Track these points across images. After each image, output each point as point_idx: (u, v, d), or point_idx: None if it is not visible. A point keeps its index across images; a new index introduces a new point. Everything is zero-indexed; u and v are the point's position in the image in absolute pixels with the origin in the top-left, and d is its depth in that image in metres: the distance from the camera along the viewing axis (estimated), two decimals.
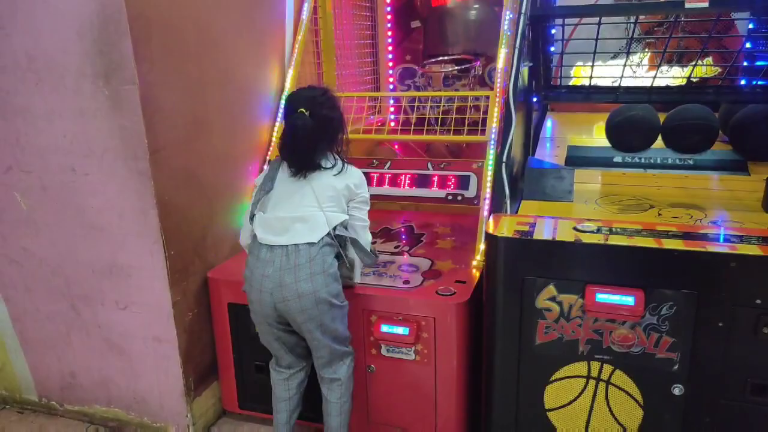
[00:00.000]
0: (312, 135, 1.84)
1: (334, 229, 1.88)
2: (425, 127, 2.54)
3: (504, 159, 2.02)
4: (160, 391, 2.30)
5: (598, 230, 1.71)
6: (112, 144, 2.00)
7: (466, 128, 2.42)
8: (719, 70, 2.84)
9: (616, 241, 1.64)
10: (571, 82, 3.01)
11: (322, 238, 1.84)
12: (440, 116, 2.54)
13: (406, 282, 2.24)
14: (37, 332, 2.42)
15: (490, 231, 1.78)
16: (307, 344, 2.01)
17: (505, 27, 2.50)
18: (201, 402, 2.35)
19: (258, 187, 1.98)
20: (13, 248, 2.30)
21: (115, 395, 2.40)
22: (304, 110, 1.82)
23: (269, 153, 2.65)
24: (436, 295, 2.06)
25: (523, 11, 2.23)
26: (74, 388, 2.46)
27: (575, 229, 1.73)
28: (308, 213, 1.86)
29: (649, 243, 1.62)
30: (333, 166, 1.92)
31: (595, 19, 2.28)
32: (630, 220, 1.89)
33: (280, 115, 2.69)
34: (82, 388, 2.45)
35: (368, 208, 2.01)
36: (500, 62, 2.48)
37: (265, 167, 2.01)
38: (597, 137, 2.89)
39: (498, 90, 2.43)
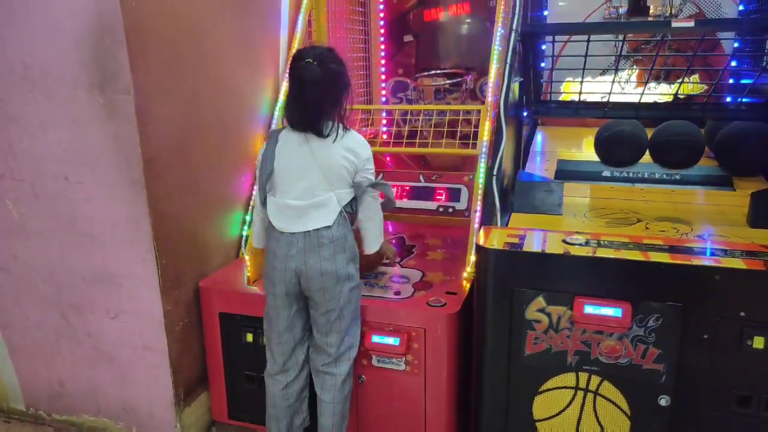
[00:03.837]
0: (320, 87, 1.81)
1: (348, 206, 1.92)
2: (417, 140, 2.57)
3: (495, 172, 2.05)
4: (149, 401, 2.29)
5: (587, 243, 1.74)
6: (106, 153, 2.01)
7: (457, 141, 2.45)
8: (705, 87, 2.91)
9: (604, 253, 1.67)
10: (561, 98, 3.06)
11: (336, 218, 1.89)
12: (432, 129, 2.57)
13: (397, 293, 2.25)
14: (26, 340, 2.40)
15: (481, 243, 1.81)
16: (307, 349, 2.05)
17: (497, 43, 2.54)
18: (190, 412, 2.34)
19: (258, 171, 1.98)
20: (4, 256, 2.30)
21: (103, 405, 2.38)
22: (311, 60, 1.80)
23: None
24: (426, 306, 2.08)
25: (514, 28, 2.28)
26: (62, 397, 2.44)
27: (564, 241, 1.76)
28: (322, 198, 1.89)
29: (636, 256, 1.65)
30: (333, 133, 1.88)
31: (585, 37, 2.32)
32: (618, 234, 1.92)
33: (273, 123, 2.71)
34: (70, 398, 2.43)
35: (374, 168, 2.01)
36: (491, 77, 2.52)
37: (263, 146, 2.00)
38: (586, 151, 2.94)
39: (489, 104, 2.46)
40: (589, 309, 1.67)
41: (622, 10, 3.09)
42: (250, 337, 2.24)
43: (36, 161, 2.11)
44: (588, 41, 2.23)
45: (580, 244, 1.73)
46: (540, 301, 1.73)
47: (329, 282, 1.90)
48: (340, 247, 1.91)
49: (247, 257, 2.48)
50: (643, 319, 1.65)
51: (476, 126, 2.53)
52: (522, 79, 2.58)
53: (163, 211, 2.09)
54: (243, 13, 2.51)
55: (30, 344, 2.40)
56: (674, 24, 2.05)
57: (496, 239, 1.82)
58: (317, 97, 1.83)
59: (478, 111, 2.57)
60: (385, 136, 3.58)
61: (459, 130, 2.49)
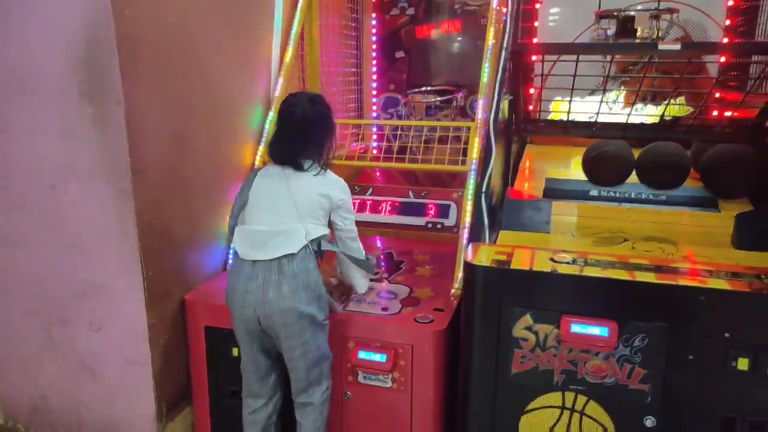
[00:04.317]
0: (305, 125, 1.89)
1: (317, 243, 1.90)
2: (407, 156, 2.58)
3: (484, 189, 2.06)
4: (131, 416, 2.25)
5: (574, 261, 1.75)
6: (95, 162, 2.00)
7: (447, 158, 2.46)
8: (691, 109, 2.95)
9: (590, 272, 1.68)
10: (550, 116, 3.10)
11: (301, 249, 1.86)
12: (422, 145, 2.58)
13: (385, 309, 2.25)
14: (8, 353, 2.36)
15: (469, 260, 1.81)
16: (280, 373, 2.02)
17: (487, 61, 2.57)
18: (173, 428, 2.30)
19: (235, 200, 2.00)
20: None
21: (85, 419, 2.34)
22: (299, 101, 1.90)
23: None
24: (414, 322, 2.07)
25: (504, 46, 2.31)
26: (44, 411, 2.39)
27: (552, 259, 1.77)
28: (289, 227, 1.87)
29: (622, 275, 1.66)
30: (312, 170, 1.93)
31: (574, 57, 2.35)
32: (605, 253, 1.94)
33: (264, 136, 2.70)
34: (51, 412, 2.38)
35: (353, 217, 2.03)
36: (481, 95, 2.54)
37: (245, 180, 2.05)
38: (574, 170, 2.96)
39: (479, 121, 2.48)
40: (575, 328, 1.67)
41: (610, 32, 3.14)
42: (235, 352, 2.20)
43: (24, 170, 2.09)
44: (576, 61, 2.26)
45: (567, 263, 1.74)
46: (527, 319, 1.74)
47: (291, 318, 1.83)
48: (302, 283, 1.84)
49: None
50: (629, 339, 1.66)
51: (466, 143, 2.55)
52: (512, 97, 2.60)
53: (150, 222, 2.08)
54: (236, 25, 2.52)
55: (12, 357, 2.36)
56: (661, 46, 2.09)
57: (484, 256, 1.82)
58: (301, 134, 1.90)
59: (468, 128, 2.59)
60: (375, 151, 3.59)
61: (449, 146, 2.51)
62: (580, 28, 3.25)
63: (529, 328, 1.74)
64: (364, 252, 2.08)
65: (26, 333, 2.31)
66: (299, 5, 2.92)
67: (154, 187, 2.09)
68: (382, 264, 2.73)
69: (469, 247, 1.94)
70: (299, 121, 1.88)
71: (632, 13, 3.01)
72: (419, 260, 2.82)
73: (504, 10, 2.59)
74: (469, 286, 1.80)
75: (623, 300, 1.65)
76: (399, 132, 2.81)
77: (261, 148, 2.69)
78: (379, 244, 2.98)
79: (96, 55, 1.89)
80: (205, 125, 2.36)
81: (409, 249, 2.92)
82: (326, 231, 1.95)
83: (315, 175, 1.92)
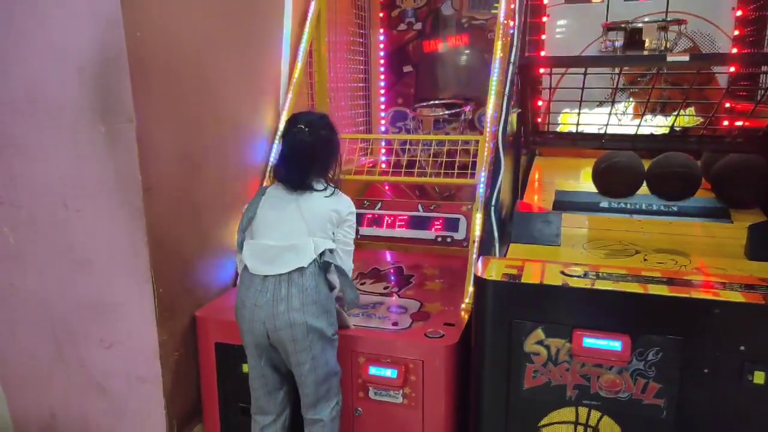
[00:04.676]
0: (310, 151, 1.89)
1: (322, 254, 1.89)
2: (416, 170, 2.58)
3: (493, 203, 2.05)
4: None
5: (585, 275, 1.74)
6: (106, 181, 2.01)
7: (456, 171, 2.46)
8: (701, 120, 2.94)
9: (602, 285, 1.67)
10: (559, 128, 3.10)
11: (311, 263, 1.86)
12: (431, 159, 2.58)
13: (395, 324, 2.24)
14: (19, 370, 2.37)
15: (479, 274, 1.80)
16: (289, 389, 2.02)
17: (494, 74, 2.57)
18: None
19: (242, 216, 2.01)
20: (0, 283, 2.28)
21: None
22: (303, 126, 1.88)
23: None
24: (424, 337, 2.06)
25: (512, 60, 2.31)
26: (53, 428, 2.39)
27: (563, 273, 1.75)
28: (299, 241, 1.88)
29: (634, 288, 1.64)
30: (324, 189, 1.95)
31: (582, 69, 2.35)
32: (616, 265, 1.92)
33: (274, 151, 2.72)
34: (61, 429, 2.38)
35: (353, 234, 2.02)
36: (490, 108, 2.55)
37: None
38: (583, 182, 2.95)
39: (488, 135, 2.48)
40: (588, 342, 1.65)
41: (618, 44, 3.15)
42: (246, 368, 2.19)
43: (35, 188, 2.11)
44: (584, 74, 2.26)
45: (579, 276, 1.72)
46: (539, 333, 1.72)
47: (299, 333, 1.83)
48: (312, 297, 1.85)
49: None
50: (643, 353, 1.64)
51: (474, 156, 2.56)
52: (520, 110, 2.60)
53: (161, 239, 2.09)
54: (245, 43, 2.55)
55: (22, 374, 2.37)
56: (669, 58, 2.08)
57: (494, 270, 1.81)
58: (308, 160, 1.91)
59: (477, 141, 2.59)
60: (383, 166, 3.60)
61: (457, 160, 2.51)
62: (587, 40, 3.26)
63: (540, 343, 1.73)
64: (351, 272, 2.02)
65: (36, 350, 2.32)
66: (308, 22, 2.95)
67: (165, 205, 2.11)
68: (392, 278, 2.72)
69: (479, 260, 1.92)
70: (302, 151, 1.89)
71: (640, 25, 3.01)
72: (429, 274, 2.81)
73: (511, 23, 2.61)
74: (480, 301, 1.79)
75: (636, 313, 1.63)
76: (407, 146, 2.82)
77: (270, 165, 2.70)
78: (388, 257, 2.98)
79: (108, 75, 1.92)
80: (215, 142, 2.38)
81: (418, 263, 2.91)
82: (333, 245, 1.95)
83: (327, 196, 1.93)
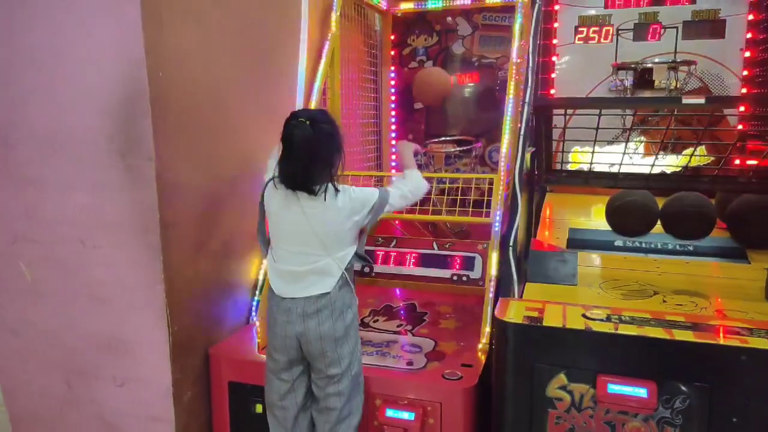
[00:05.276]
0: (312, 145, 1.79)
1: (349, 262, 1.92)
2: (430, 207, 2.58)
3: (511, 243, 2.04)
4: None
5: (608, 318, 1.72)
6: (124, 217, 2.02)
7: (471, 209, 2.46)
8: (712, 158, 2.95)
9: (626, 330, 1.64)
10: (569, 166, 3.11)
11: (336, 283, 1.88)
12: (446, 196, 2.58)
13: (410, 363, 2.21)
14: (29, 406, 2.33)
15: (500, 316, 1.78)
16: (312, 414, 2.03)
17: (508, 113, 2.60)
18: None
19: (259, 214, 2.05)
20: (13, 318, 2.26)
21: None
22: (303, 120, 1.81)
23: None
24: (442, 379, 2.03)
25: (527, 100, 2.33)
26: None
27: (585, 316, 1.73)
28: (319, 264, 1.88)
29: (659, 333, 1.62)
30: (322, 193, 1.85)
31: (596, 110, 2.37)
32: (638, 308, 1.90)
33: None
34: None
35: (387, 196, 2.02)
36: (503, 146, 2.56)
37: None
38: (595, 219, 2.95)
39: (502, 172, 2.49)
40: (613, 388, 1.62)
41: (627, 82, 3.19)
42: (259, 408, 2.17)
43: (53, 224, 2.11)
44: (599, 115, 2.28)
45: (602, 320, 1.70)
46: (562, 378, 1.69)
47: (328, 345, 1.88)
48: (339, 310, 1.89)
49: (257, 323, 2.45)
50: (669, 400, 1.61)
51: (489, 194, 2.55)
52: (534, 149, 2.62)
53: (177, 276, 2.08)
54: (261, 80, 2.58)
55: (32, 409, 2.33)
56: (685, 100, 2.10)
57: (514, 312, 1.79)
58: (308, 155, 1.81)
59: (491, 180, 2.59)
60: None
61: (471, 198, 2.51)
62: (593, 79, 3.29)
63: (563, 388, 1.70)
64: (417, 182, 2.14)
65: (47, 387, 2.28)
66: (322, 60, 2.99)
67: (183, 242, 2.10)
68: (405, 316, 2.70)
69: (498, 302, 1.91)
70: (304, 145, 1.79)
71: (650, 65, 3.06)
72: (442, 312, 2.79)
73: (522, 63, 2.65)
74: (501, 344, 1.77)
75: (662, 359, 1.61)
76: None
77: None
78: (400, 294, 2.96)
79: (129, 113, 1.93)
80: (232, 178, 2.39)
81: (430, 300, 2.88)
82: (354, 248, 1.95)
83: (326, 199, 1.85)
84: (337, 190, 1.88)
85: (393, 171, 3.81)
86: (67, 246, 2.11)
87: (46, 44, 1.97)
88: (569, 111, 2.73)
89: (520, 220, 2.26)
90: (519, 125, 2.64)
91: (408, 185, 2.11)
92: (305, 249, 1.88)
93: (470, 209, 2.51)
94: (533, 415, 1.73)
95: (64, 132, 2.01)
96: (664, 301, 2.08)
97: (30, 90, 2.02)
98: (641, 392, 1.61)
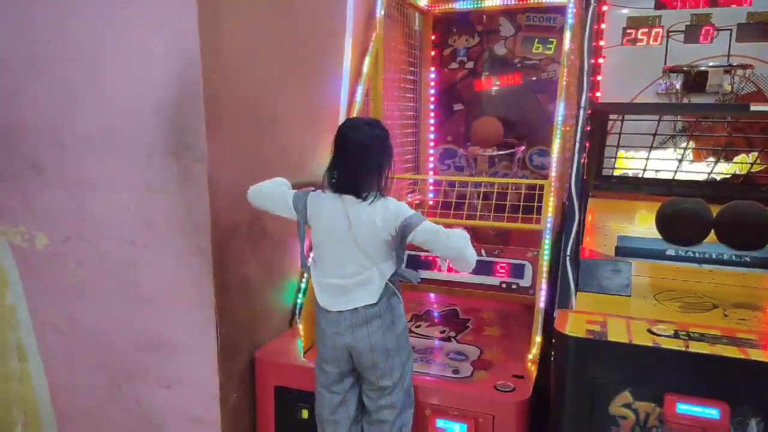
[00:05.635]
0: (364, 149, 1.80)
1: (391, 280, 1.87)
2: (478, 213, 2.51)
3: (568, 252, 1.98)
4: None
5: (676, 334, 1.65)
6: (175, 219, 2.00)
7: (520, 216, 2.40)
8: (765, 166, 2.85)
9: (697, 348, 1.58)
10: (613, 171, 3.03)
11: (381, 293, 1.85)
12: (494, 201, 2.52)
13: (456, 371, 2.17)
14: (73, 405, 2.34)
15: (559, 329, 1.73)
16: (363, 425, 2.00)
17: (559, 117, 2.53)
18: None
19: (292, 199, 1.95)
20: (60, 317, 2.27)
21: None
22: (357, 125, 1.85)
23: None
24: (494, 390, 1.98)
25: (582, 105, 2.27)
26: None
27: (650, 331, 1.67)
28: (364, 276, 1.84)
29: (733, 352, 1.55)
30: (370, 197, 1.83)
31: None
32: (700, 323, 1.82)
33: None
34: None
35: (430, 225, 1.80)
36: (554, 152, 2.50)
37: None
38: (639, 226, 2.86)
39: (553, 179, 2.43)
40: (682, 408, 1.56)
41: (677, 85, 3.09)
42: (305, 414, 2.14)
43: (103, 224, 2.11)
44: (659, 121, 2.20)
45: (669, 336, 1.64)
46: (626, 396, 1.63)
47: (379, 357, 1.86)
48: (389, 321, 1.87)
49: (300, 326, 2.43)
50: (742, 422, 1.54)
51: (537, 200, 2.49)
52: (585, 154, 2.55)
53: (226, 278, 2.06)
54: (307, 83, 2.56)
55: (77, 409, 2.34)
56: (753, 107, 2.02)
57: (575, 325, 1.73)
58: (360, 159, 1.82)
59: (541, 186, 2.53)
60: (431, 203, 3.57)
61: (521, 204, 2.44)
62: (640, 81, 3.19)
63: (628, 406, 1.64)
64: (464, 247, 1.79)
65: (92, 385, 2.28)
66: (366, 61, 2.95)
67: (231, 244, 2.09)
68: (448, 322, 2.65)
69: (555, 313, 1.85)
70: (357, 147, 1.80)
71: (704, 68, 2.96)
72: (485, 318, 2.74)
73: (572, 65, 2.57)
74: (561, 358, 1.71)
75: (735, 379, 1.54)
76: (457, 188, 2.75)
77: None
78: (437, 297, 2.91)
79: (183, 113, 1.92)
80: None
81: (473, 306, 2.83)
82: (395, 267, 1.89)
83: (370, 203, 1.82)
84: (380, 195, 1.86)
85: (430, 173, 3.78)
86: (117, 246, 2.11)
87: (102, 44, 1.97)
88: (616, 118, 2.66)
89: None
90: (566, 128, 2.58)
91: (450, 234, 1.80)
92: (348, 258, 1.85)
93: (519, 215, 2.44)
94: None
95: (117, 132, 2.01)
96: (725, 315, 2.00)
97: (85, 90, 2.02)
98: (712, 413, 1.54)
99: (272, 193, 1.97)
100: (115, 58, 1.97)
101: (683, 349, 1.57)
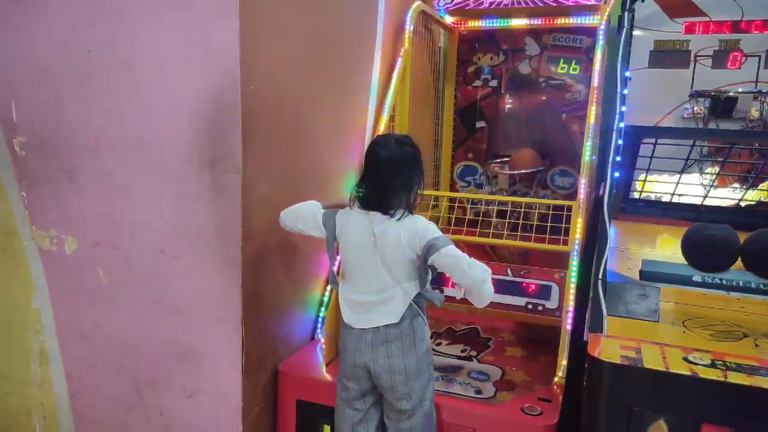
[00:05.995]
0: (395, 165, 1.79)
1: (417, 296, 1.86)
2: (505, 232, 2.50)
3: (600, 275, 1.97)
4: None
5: (713, 364, 1.63)
6: (207, 229, 2.01)
7: (547, 236, 2.39)
8: None
9: (736, 379, 1.55)
10: (638, 195, 3.01)
11: (404, 313, 1.84)
12: (520, 221, 2.51)
13: (478, 392, 2.15)
14: (94, 412, 2.33)
15: (593, 353, 1.71)
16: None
17: (589, 140, 2.52)
18: None
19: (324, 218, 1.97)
20: (86, 323, 2.27)
21: None
22: (389, 141, 1.84)
23: None
24: (522, 413, 1.96)
25: (615, 127, 2.26)
26: None
27: (687, 360, 1.65)
28: (388, 294, 1.84)
29: None
30: (397, 214, 1.82)
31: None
32: (733, 352, 1.80)
33: None
34: None
35: (453, 249, 1.77)
36: (583, 173, 2.49)
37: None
38: (661, 249, 2.84)
39: (582, 201, 2.42)
40: None
41: (704, 110, 3.08)
42: (327, 430, 2.13)
43: (134, 231, 2.11)
44: (692, 146, 2.20)
45: (706, 365, 1.62)
46: (661, 425, 1.61)
47: (398, 379, 1.84)
48: (410, 343, 1.86)
49: (322, 339, 2.42)
50: None
51: (566, 221, 2.48)
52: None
53: (254, 290, 2.06)
54: (337, 98, 2.57)
55: (98, 416, 2.33)
56: None
57: (609, 351, 1.72)
58: (390, 175, 1.81)
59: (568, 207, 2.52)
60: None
61: (549, 224, 2.43)
62: (658, 103, 3.18)
63: None
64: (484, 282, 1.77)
65: (115, 392, 2.28)
66: (394, 76, 2.96)
67: (261, 256, 2.09)
68: (469, 340, 2.63)
69: (587, 337, 1.83)
70: (385, 164, 1.80)
71: (733, 93, 2.96)
72: (506, 338, 2.72)
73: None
74: (594, 384, 1.69)
75: None
76: (481, 206, 2.74)
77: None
78: (454, 316, 2.89)
79: (219, 125, 1.93)
80: (305, 192, 2.34)
81: (493, 325, 2.82)
82: (418, 287, 1.87)
83: (398, 219, 1.81)
84: (410, 215, 1.86)
85: (459, 191, 3.77)
86: (146, 254, 2.11)
87: (142, 55, 1.99)
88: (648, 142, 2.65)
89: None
90: (590, 149, 2.57)
91: (473, 265, 1.78)
92: (372, 276, 1.85)
93: (546, 236, 2.43)
94: None
95: (153, 141, 2.02)
96: (756, 345, 1.97)
97: (122, 100, 2.03)
98: None
99: (304, 213, 2.00)
100: (153, 68, 1.98)
101: (722, 379, 1.55)
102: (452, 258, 1.76)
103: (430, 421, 1.94)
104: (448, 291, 2.73)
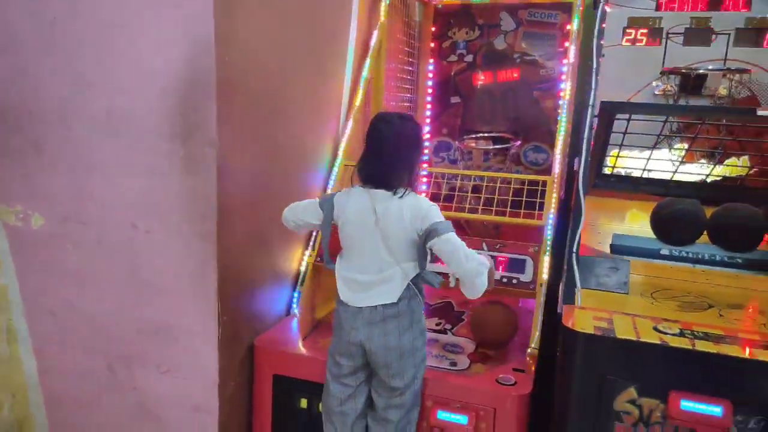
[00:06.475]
0: (398, 142, 1.81)
1: (416, 277, 1.87)
2: (480, 207, 2.52)
3: (575, 249, 2.00)
4: None
5: (681, 333, 1.68)
6: (180, 204, 1.97)
7: (522, 211, 2.42)
8: (755, 169, 2.91)
9: (703, 347, 1.61)
10: (606, 170, 3.06)
11: (401, 293, 1.84)
12: (498, 196, 2.54)
13: (453, 364, 2.18)
14: (65, 388, 2.30)
15: (567, 325, 1.75)
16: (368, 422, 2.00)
17: (564, 116, 2.54)
18: None
19: (307, 206, 1.97)
20: (54, 300, 2.22)
21: None
22: (391, 119, 1.84)
23: None
24: (496, 383, 2.00)
25: (590, 103, 2.28)
26: None
27: (657, 330, 1.70)
28: (386, 274, 1.84)
29: (737, 352, 1.59)
30: (398, 191, 1.82)
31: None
32: (704, 323, 1.86)
33: (333, 175, 2.67)
34: None
35: (453, 231, 1.78)
36: (558, 149, 2.52)
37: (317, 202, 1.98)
38: (629, 224, 2.90)
39: (555, 176, 2.45)
40: (686, 405, 1.59)
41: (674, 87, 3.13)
42: (304, 403, 2.14)
43: (105, 206, 2.06)
44: (666, 121, 2.23)
45: (675, 334, 1.67)
46: (631, 392, 1.66)
47: (393, 357, 1.86)
48: (407, 323, 1.87)
49: (298, 315, 2.42)
50: (744, 421, 1.58)
51: (540, 196, 2.50)
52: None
53: (230, 265, 2.04)
54: (316, 73, 2.53)
55: (69, 394, 2.29)
56: (760, 112, 2.05)
57: (583, 322, 1.76)
58: (393, 151, 1.82)
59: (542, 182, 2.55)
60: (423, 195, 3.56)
61: (524, 199, 2.46)
62: (628, 80, 3.22)
63: (632, 402, 1.66)
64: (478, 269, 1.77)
65: (88, 370, 2.24)
66: (369, 52, 2.93)
67: (236, 230, 2.06)
68: (443, 314, 2.66)
69: (561, 309, 1.87)
70: (390, 140, 1.81)
71: (703, 71, 3.00)
72: None
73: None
74: (568, 353, 1.74)
75: (739, 378, 1.58)
76: (458, 181, 2.74)
77: (330, 186, 2.65)
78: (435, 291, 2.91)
79: (193, 96, 1.88)
80: (282, 168, 2.34)
81: (466, 299, 2.84)
82: (417, 269, 1.88)
83: (401, 197, 1.81)
84: (412, 193, 1.86)
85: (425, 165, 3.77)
86: (118, 229, 2.06)
87: (111, 23, 1.92)
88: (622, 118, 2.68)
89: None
90: (569, 126, 2.60)
91: (471, 257, 1.78)
92: (372, 254, 1.85)
93: (522, 211, 2.46)
94: (597, 428, 1.70)
95: (123, 113, 1.96)
96: (720, 315, 2.04)
97: (91, 70, 1.97)
98: (716, 411, 1.57)
99: (304, 204, 1.99)
100: (123, 37, 1.92)
101: (690, 347, 1.60)
102: (451, 245, 1.76)
103: (417, 398, 1.97)
104: (441, 267, 2.75)
